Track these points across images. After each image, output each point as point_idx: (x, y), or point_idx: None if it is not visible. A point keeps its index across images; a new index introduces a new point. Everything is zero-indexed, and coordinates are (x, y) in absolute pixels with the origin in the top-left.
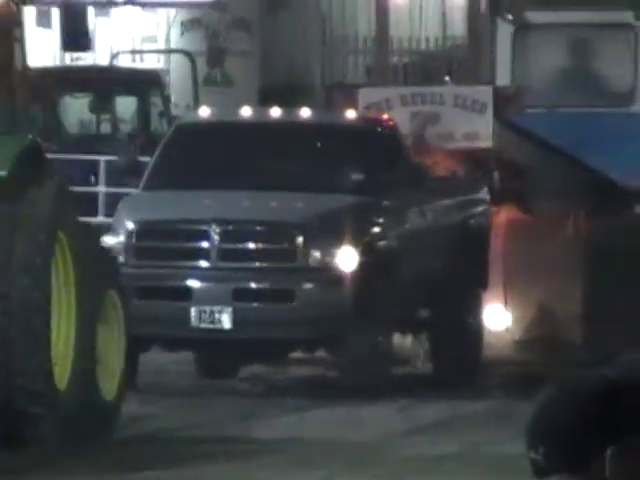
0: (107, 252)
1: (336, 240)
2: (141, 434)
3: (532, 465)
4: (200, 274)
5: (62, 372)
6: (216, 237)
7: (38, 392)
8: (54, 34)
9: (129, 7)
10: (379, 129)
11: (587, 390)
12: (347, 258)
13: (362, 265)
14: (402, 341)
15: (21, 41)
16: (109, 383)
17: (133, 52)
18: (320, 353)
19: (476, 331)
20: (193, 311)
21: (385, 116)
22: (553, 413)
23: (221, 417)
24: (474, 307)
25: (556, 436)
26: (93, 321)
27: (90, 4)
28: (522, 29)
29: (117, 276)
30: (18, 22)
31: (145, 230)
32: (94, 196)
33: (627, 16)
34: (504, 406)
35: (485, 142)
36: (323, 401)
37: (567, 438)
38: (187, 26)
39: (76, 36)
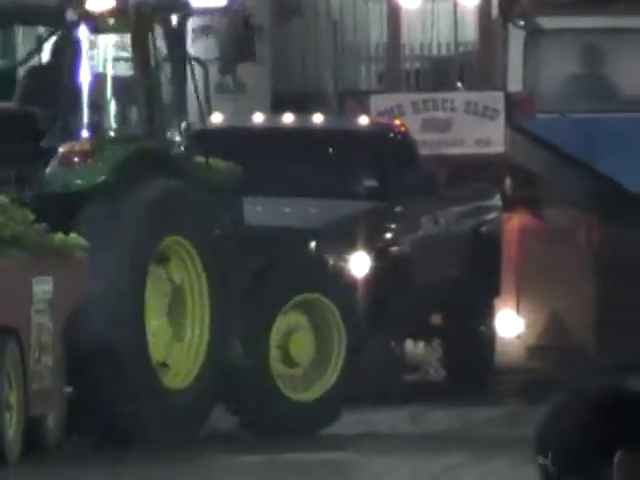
0: (301, 256)
1: (348, 246)
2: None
3: (541, 470)
4: None
5: (185, 372)
6: None
7: (135, 391)
8: None
9: None
10: (391, 135)
11: (596, 397)
12: (359, 264)
13: (374, 271)
14: (414, 348)
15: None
16: (315, 385)
17: None
18: None
19: (488, 338)
20: None
21: (397, 122)
22: (562, 419)
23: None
24: (486, 314)
25: (564, 442)
26: (268, 320)
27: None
28: (534, 34)
29: (322, 279)
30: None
31: None
32: None
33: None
34: (515, 412)
35: (497, 148)
36: None
37: (575, 444)
38: (198, 33)
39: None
